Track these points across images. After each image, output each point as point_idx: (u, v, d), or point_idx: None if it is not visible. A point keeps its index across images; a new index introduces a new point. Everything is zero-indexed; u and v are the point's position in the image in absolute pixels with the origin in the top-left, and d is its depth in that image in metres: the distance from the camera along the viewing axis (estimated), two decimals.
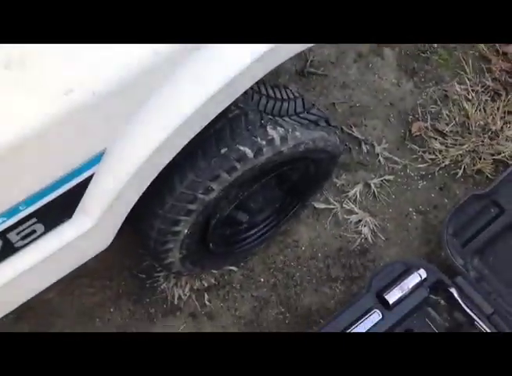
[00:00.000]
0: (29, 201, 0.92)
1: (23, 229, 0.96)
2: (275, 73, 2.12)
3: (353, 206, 1.83)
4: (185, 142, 1.08)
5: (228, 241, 1.57)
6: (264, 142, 1.21)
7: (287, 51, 1.10)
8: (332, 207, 1.83)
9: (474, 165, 1.92)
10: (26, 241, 1.00)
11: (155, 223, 1.25)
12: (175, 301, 1.64)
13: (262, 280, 1.71)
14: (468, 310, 1.43)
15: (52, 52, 0.85)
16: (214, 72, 0.98)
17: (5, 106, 0.82)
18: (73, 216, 1.06)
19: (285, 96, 1.43)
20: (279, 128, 1.24)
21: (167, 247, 1.31)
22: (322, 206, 1.82)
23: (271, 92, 1.39)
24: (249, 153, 1.19)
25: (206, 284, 1.67)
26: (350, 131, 1.99)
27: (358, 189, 1.86)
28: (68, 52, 0.85)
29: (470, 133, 1.98)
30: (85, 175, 0.98)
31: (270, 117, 1.29)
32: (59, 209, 1.00)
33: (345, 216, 1.82)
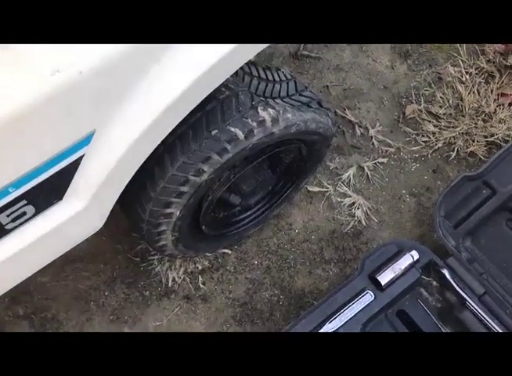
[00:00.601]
0: (18, 183, 0.92)
1: (13, 211, 0.96)
2: (269, 55, 2.11)
3: (346, 189, 1.84)
4: (175, 123, 1.07)
5: (221, 224, 1.57)
6: (255, 124, 1.20)
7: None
8: (325, 190, 1.83)
9: (467, 147, 1.92)
10: (16, 223, 1.00)
11: (147, 206, 1.24)
12: (170, 284, 1.65)
13: (256, 262, 1.71)
14: (460, 291, 1.45)
15: None
16: (201, 52, 0.98)
17: None
18: (64, 198, 1.05)
19: (277, 78, 1.42)
20: (270, 109, 1.23)
21: (160, 229, 1.31)
22: (316, 189, 1.83)
23: (262, 74, 1.38)
24: (240, 134, 1.19)
25: (200, 267, 1.68)
26: (343, 114, 1.99)
27: (351, 172, 1.86)
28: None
29: (463, 115, 1.98)
30: (75, 156, 0.98)
31: (261, 98, 1.28)
32: (49, 191, 1.00)
33: (338, 199, 1.83)
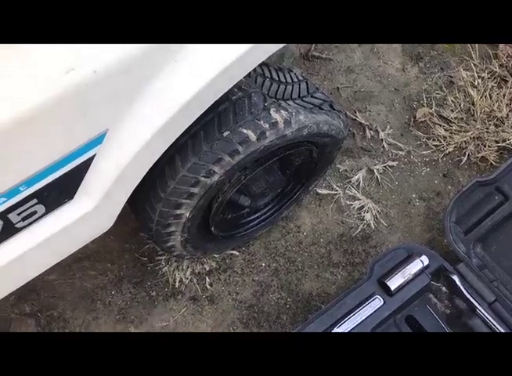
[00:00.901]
0: (29, 182, 0.92)
1: (24, 210, 0.96)
2: (280, 56, 2.10)
3: (356, 192, 1.83)
4: (188, 123, 1.06)
5: (230, 225, 1.56)
6: (267, 126, 1.19)
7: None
8: (334, 192, 1.82)
9: (478, 152, 1.90)
10: (26, 222, 0.99)
11: (157, 206, 1.24)
12: (177, 285, 1.64)
13: (264, 264, 1.70)
14: (470, 297, 1.43)
15: None
16: (216, 52, 0.97)
17: (4, 84, 0.81)
18: (75, 198, 1.05)
19: (289, 80, 1.41)
20: (282, 111, 1.22)
21: (169, 230, 1.30)
22: (325, 192, 1.81)
23: (275, 75, 1.37)
24: (252, 136, 1.18)
25: (207, 268, 1.67)
26: (354, 117, 1.97)
27: (361, 175, 1.85)
28: None
29: (475, 120, 1.96)
30: (87, 156, 0.97)
31: (274, 100, 1.27)
32: (60, 190, 0.99)
33: (348, 202, 1.81)
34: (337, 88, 2.08)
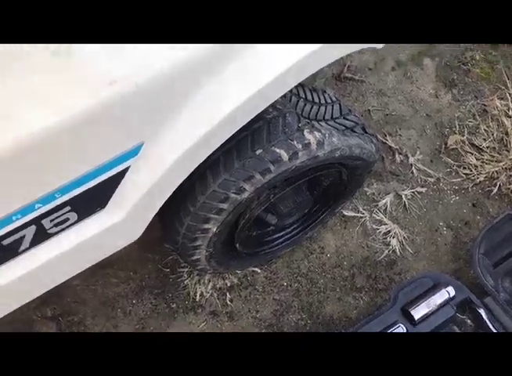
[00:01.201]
0: (64, 189, 0.93)
1: (57, 217, 0.97)
2: (312, 76, 2.11)
3: (382, 216, 1.81)
4: (222, 141, 1.07)
5: (254, 242, 1.56)
6: (300, 146, 1.19)
7: (339, 51, 1.09)
8: (361, 215, 1.80)
9: (509, 184, 1.87)
10: (59, 228, 1.00)
11: (185, 219, 1.24)
12: (197, 299, 1.64)
13: (285, 284, 1.69)
14: (496, 332, 1.40)
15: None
16: (261, 68, 0.97)
17: (48, 91, 0.83)
18: (107, 207, 1.06)
19: (322, 100, 1.41)
20: (316, 132, 1.22)
21: (195, 243, 1.31)
22: (351, 214, 1.80)
23: (309, 96, 1.38)
24: (284, 156, 1.18)
25: (228, 284, 1.67)
26: (384, 140, 1.96)
27: (388, 199, 1.83)
28: (114, 44, 0.85)
29: (507, 150, 1.93)
30: (122, 166, 0.98)
31: (307, 120, 1.27)
32: (93, 199, 1.01)
33: (374, 226, 1.79)
34: (368, 110, 2.08)
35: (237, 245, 1.44)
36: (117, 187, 1.03)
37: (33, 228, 0.95)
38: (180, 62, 0.89)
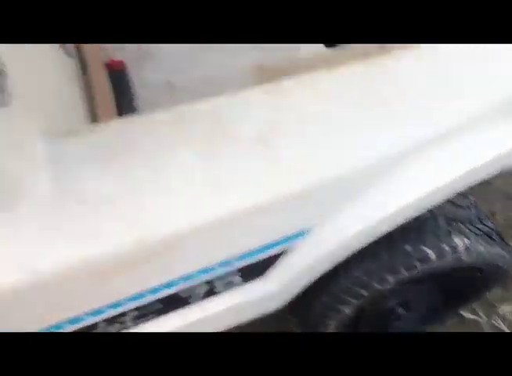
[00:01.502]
0: (242, 256, 1.04)
1: (228, 279, 1.08)
2: None
3: (501, 324, 1.76)
4: (374, 238, 1.14)
5: (373, 326, 1.58)
6: (448, 249, 1.23)
7: None
8: (479, 319, 1.77)
9: None
10: (224, 289, 1.11)
11: (323, 297, 1.31)
12: None
13: None
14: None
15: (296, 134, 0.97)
16: (447, 165, 1.05)
17: (246, 175, 0.94)
18: (264, 276, 1.16)
19: (464, 204, 1.45)
20: (464, 237, 1.26)
21: (325, 321, 1.36)
22: (470, 316, 1.77)
23: (455, 198, 1.42)
24: (432, 255, 1.22)
25: None
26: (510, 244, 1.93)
27: (510, 308, 1.79)
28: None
29: None
30: (287, 246, 1.08)
31: (455, 224, 1.32)
32: (258, 268, 1.11)
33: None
34: (493, 213, 2.07)
35: (359, 325, 1.48)
36: (276, 261, 1.13)
37: (206, 286, 1.07)
38: (364, 165, 0.98)
